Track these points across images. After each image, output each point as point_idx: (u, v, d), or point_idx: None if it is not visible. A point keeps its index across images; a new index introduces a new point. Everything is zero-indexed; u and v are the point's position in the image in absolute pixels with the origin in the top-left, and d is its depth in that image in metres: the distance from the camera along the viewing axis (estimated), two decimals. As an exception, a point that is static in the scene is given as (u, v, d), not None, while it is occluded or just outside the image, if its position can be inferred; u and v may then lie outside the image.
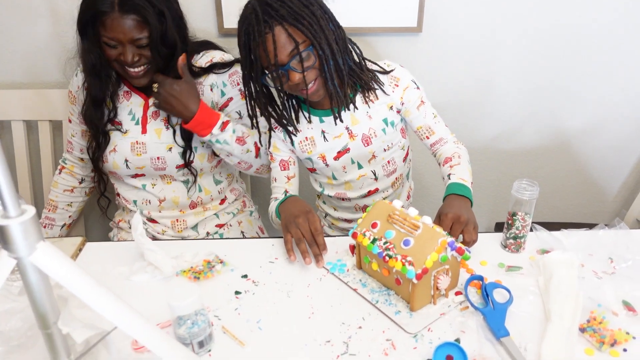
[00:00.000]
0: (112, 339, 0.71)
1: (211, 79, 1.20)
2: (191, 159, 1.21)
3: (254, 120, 1.14)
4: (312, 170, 1.23)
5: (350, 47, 1.06)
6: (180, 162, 1.21)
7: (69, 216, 1.36)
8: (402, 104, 1.13)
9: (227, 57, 1.22)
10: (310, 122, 1.13)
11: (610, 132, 1.68)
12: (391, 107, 1.13)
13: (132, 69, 1.10)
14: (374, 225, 0.89)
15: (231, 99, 1.22)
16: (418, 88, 1.14)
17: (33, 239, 0.60)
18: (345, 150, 1.16)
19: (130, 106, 1.21)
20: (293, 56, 0.97)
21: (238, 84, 1.21)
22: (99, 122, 1.19)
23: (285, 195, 1.10)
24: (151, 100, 1.16)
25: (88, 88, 1.17)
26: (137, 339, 0.66)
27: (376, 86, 1.10)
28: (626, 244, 0.98)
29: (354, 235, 0.91)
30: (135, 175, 1.24)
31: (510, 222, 0.98)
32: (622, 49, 1.51)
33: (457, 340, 0.78)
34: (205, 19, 1.41)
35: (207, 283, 0.93)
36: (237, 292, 0.90)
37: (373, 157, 1.18)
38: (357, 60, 1.09)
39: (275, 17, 0.95)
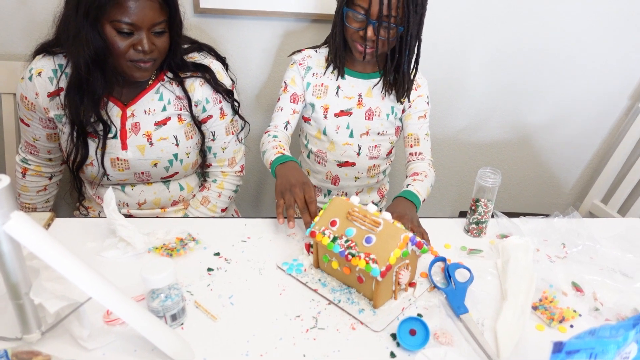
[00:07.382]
0: (85, 311, 0.71)
1: (198, 93, 1.14)
2: (177, 171, 1.19)
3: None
4: (307, 120, 1.27)
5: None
6: (166, 174, 1.18)
7: (50, 210, 1.33)
8: (410, 106, 1.23)
9: (224, 73, 1.17)
10: (333, 73, 1.21)
11: (567, 129, 1.77)
12: (400, 102, 1.23)
13: (142, 62, 1.01)
14: (332, 223, 0.87)
15: (210, 116, 1.18)
16: (428, 103, 1.24)
17: (7, 208, 0.60)
18: (348, 112, 1.22)
19: (105, 116, 1.09)
20: (383, 21, 1.03)
21: (220, 102, 1.17)
22: (91, 127, 1.07)
23: (287, 157, 1.09)
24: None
25: (89, 84, 1.02)
26: (112, 310, 0.67)
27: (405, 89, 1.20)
28: (577, 231, 1.06)
29: (312, 234, 0.88)
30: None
31: (473, 208, 1.03)
32: (580, 53, 1.61)
33: (420, 315, 0.83)
34: (181, -3, 1.40)
35: (180, 260, 0.94)
36: (209, 269, 0.92)
37: (367, 133, 1.25)
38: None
39: None
